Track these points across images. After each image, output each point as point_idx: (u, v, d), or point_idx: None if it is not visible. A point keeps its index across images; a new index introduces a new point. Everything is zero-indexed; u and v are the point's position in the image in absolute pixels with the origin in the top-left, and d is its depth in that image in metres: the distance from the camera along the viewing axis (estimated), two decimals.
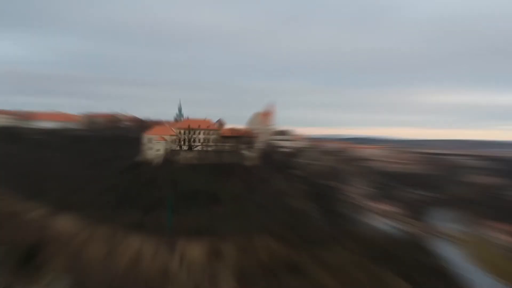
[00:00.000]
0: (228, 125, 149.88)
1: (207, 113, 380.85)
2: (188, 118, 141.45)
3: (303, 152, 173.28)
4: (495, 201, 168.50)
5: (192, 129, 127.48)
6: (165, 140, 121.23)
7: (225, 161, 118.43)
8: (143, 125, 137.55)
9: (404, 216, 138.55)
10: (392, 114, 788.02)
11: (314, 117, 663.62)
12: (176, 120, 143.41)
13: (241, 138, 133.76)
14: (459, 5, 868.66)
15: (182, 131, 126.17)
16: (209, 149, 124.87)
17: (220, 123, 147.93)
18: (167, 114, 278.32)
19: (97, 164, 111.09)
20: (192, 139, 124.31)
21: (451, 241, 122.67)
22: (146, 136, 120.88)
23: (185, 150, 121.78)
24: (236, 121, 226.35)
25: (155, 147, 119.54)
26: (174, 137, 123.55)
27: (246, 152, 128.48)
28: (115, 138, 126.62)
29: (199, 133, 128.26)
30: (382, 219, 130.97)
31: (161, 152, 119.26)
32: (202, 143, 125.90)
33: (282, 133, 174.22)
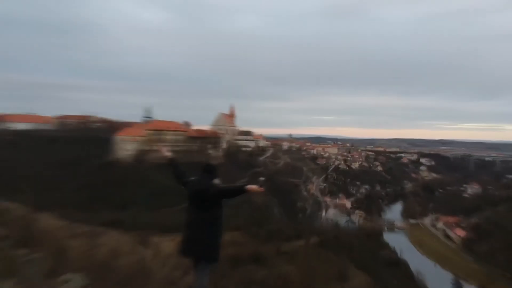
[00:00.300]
0: (194, 126, 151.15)
1: (174, 115, 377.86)
2: (156, 120, 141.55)
3: (264, 151, 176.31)
4: (438, 195, 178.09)
5: (161, 130, 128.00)
6: (136, 140, 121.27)
7: (193, 160, 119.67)
8: (114, 127, 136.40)
9: (358, 210, 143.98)
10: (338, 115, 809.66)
11: (271, 118, 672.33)
12: (145, 122, 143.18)
13: (207, 138, 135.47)
14: None
15: (151, 132, 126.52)
16: (177, 149, 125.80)
17: (187, 124, 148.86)
18: (137, 116, 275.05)
19: (70, 164, 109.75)
20: (161, 140, 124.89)
21: (400, 232, 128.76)
22: (117, 137, 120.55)
23: (154, 150, 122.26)
24: (202, 122, 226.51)
25: (125, 147, 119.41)
26: (144, 138, 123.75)
27: (211, 152, 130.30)
28: (87, 139, 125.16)
29: (167, 134, 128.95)
30: (339, 213, 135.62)
31: (132, 152, 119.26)
32: (171, 143, 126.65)
33: (244, 133, 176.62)
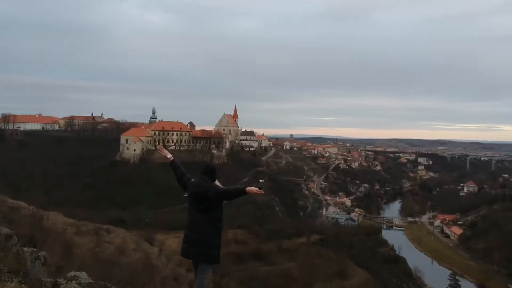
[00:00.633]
0: (198, 127, 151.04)
1: (175, 116, 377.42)
2: (162, 121, 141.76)
3: (266, 150, 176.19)
4: (435, 194, 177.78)
5: (166, 130, 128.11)
6: (141, 141, 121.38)
7: (197, 160, 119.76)
8: (120, 127, 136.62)
9: (358, 208, 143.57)
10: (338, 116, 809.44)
11: (272, 119, 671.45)
12: (150, 123, 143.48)
13: (211, 138, 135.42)
14: None
15: (157, 133, 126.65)
16: (182, 149, 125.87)
17: (191, 125, 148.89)
18: (142, 117, 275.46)
19: (77, 164, 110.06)
20: (166, 140, 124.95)
21: (399, 230, 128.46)
22: (123, 137, 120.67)
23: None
24: (203, 123, 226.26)
25: (131, 147, 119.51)
26: (149, 138, 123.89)
27: (215, 151, 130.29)
28: (94, 139, 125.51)
29: (172, 135, 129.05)
30: (339, 210, 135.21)
31: (137, 152, 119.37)
32: (175, 143, 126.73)
33: (247, 133, 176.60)
